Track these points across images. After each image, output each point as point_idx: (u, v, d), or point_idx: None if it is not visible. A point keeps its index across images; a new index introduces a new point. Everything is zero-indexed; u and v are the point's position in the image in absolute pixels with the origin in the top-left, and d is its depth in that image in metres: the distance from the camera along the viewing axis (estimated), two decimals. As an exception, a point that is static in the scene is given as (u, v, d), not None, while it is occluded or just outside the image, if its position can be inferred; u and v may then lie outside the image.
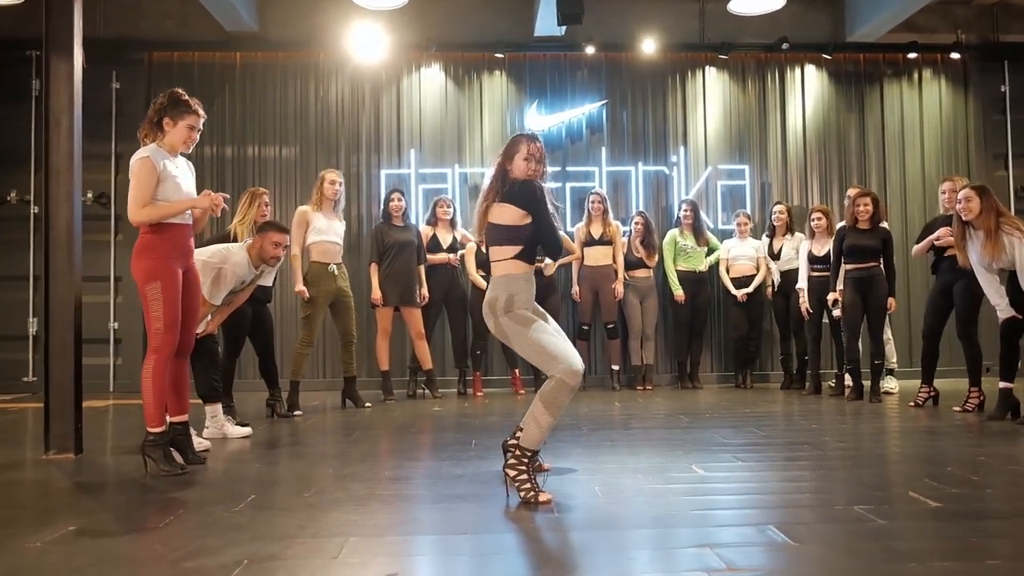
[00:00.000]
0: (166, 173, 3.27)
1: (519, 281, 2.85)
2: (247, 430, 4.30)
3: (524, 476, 2.72)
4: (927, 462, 3.44)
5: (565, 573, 2.01)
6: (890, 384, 6.11)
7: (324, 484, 3.04)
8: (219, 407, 4.25)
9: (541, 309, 2.95)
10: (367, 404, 5.55)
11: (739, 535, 2.27)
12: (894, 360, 6.22)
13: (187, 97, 3.36)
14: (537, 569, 2.06)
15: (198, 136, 3.41)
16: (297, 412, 5.17)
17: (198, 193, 3.47)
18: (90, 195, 6.77)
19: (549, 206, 2.85)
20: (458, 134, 7.15)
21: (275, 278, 5.14)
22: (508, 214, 2.82)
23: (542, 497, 2.67)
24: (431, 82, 7.17)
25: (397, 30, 6.97)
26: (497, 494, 2.79)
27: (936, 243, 5.01)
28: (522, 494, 2.69)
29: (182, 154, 3.49)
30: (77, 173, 3.83)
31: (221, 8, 6.56)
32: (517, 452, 2.76)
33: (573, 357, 2.74)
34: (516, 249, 2.84)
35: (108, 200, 6.91)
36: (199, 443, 3.85)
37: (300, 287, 5.29)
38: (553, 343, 2.79)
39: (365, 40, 6.88)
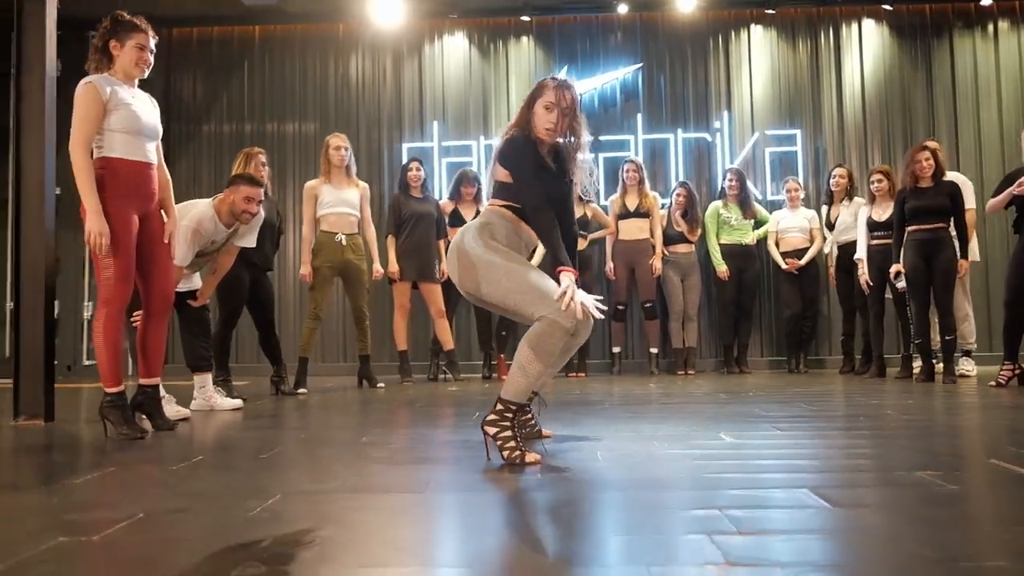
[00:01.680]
0: (117, 100, 2.95)
1: (502, 219, 2.46)
2: (237, 402, 3.97)
3: (508, 433, 2.28)
4: (1014, 431, 2.84)
5: (520, 538, 1.55)
6: (967, 366, 5.35)
7: (288, 447, 2.66)
8: (208, 377, 3.94)
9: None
10: (380, 384, 5.20)
11: (759, 498, 1.77)
12: (972, 340, 5.43)
13: (131, 16, 3.06)
14: (493, 536, 1.61)
15: (151, 57, 3.09)
16: (302, 391, 4.83)
17: (163, 127, 3.16)
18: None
19: (532, 165, 2.42)
20: (484, 104, 6.76)
21: (276, 244, 4.82)
22: (500, 172, 2.49)
23: (529, 457, 2.23)
24: (454, 50, 6.81)
25: (418, -3, 6.65)
26: (477, 458, 2.35)
27: (1018, 192, 4.34)
28: (505, 453, 2.25)
29: (148, 92, 3.18)
30: (50, 144, 3.56)
31: (239, -18, 6.36)
32: (499, 406, 2.31)
33: (554, 294, 2.27)
34: (508, 203, 2.48)
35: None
36: (178, 411, 3.54)
37: (305, 270, 4.95)
38: (540, 280, 2.33)
39: (385, 9, 6.57)
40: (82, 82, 2.94)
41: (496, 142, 2.63)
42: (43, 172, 3.54)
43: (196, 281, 4.02)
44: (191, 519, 1.65)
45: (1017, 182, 4.35)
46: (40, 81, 3.56)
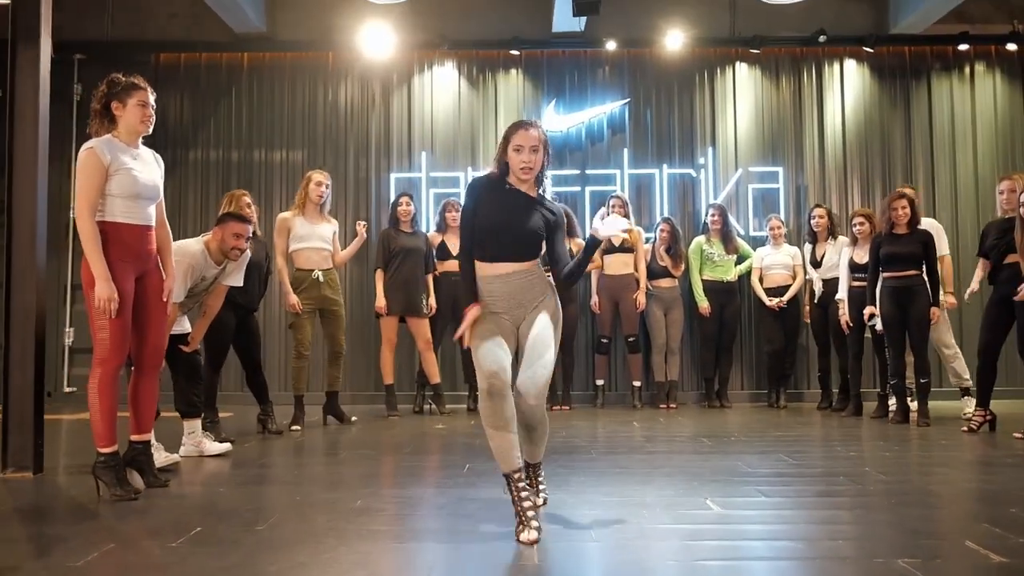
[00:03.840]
0: (118, 164, 2.97)
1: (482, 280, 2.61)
2: (226, 447, 3.99)
3: (516, 509, 2.36)
4: (985, 502, 2.95)
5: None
6: (967, 408, 5.14)
7: (283, 515, 2.69)
8: (197, 423, 3.95)
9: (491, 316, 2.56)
10: (353, 418, 5.22)
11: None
12: (967, 377, 5.33)
13: (127, 76, 3.08)
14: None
15: (154, 113, 3.11)
16: (296, 427, 4.85)
17: (164, 186, 3.19)
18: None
19: (472, 203, 2.60)
20: (472, 136, 6.80)
21: (264, 284, 4.84)
22: None
23: (523, 536, 2.29)
24: (444, 81, 6.85)
25: (408, 27, 6.68)
26: (476, 531, 2.40)
27: (1017, 300, 4.43)
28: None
29: (151, 149, 3.20)
30: (42, 171, 3.57)
31: (229, 8, 6.35)
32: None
33: (485, 361, 2.43)
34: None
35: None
36: (167, 457, 3.55)
37: (292, 300, 4.95)
38: (481, 356, 2.46)
39: (375, 38, 6.60)
40: (83, 148, 2.96)
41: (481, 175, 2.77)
42: (35, 215, 3.53)
43: (186, 324, 4.03)
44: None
45: (1019, 289, 4.42)
46: (33, 122, 3.55)
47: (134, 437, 3.20)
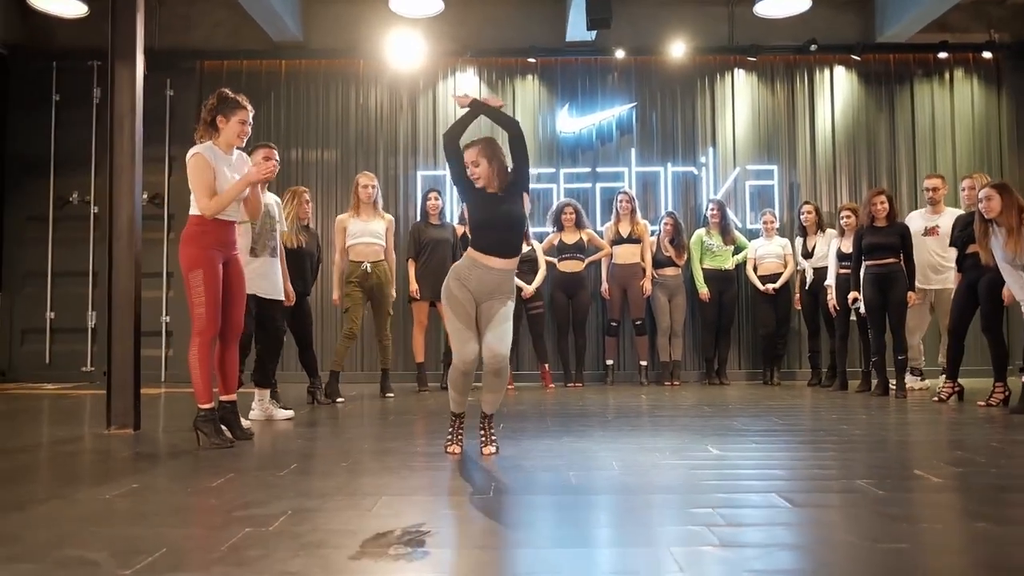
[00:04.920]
0: (217, 169, 3.56)
1: (471, 263, 3.20)
2: (290, 412, 4.58)
3: (448, 431, 3.35)
4: (939, 447, 3.55)
5: (577, 529, 2.21)
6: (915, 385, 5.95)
7: (360, 456, 3.28)
8: (267, 392, 4.54)
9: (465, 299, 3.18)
10: (390, 394, 5.81)
11: (742, 500, 2.44)
12: (921, 359, 6.14)
13: (235, 95, 3.65)
14: (551, 523, 2.26)
15: (250, 129, 3.69)
16: (340, 399, 5.45)
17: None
18: (145, 196, 7.17)
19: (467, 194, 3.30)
20: (492, 136, 7.36)
21: (315, 272, 5.42)
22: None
23: (449, 448, 3.27)
24: (465, 86, 7.43)
25: (434, 37, 7.26)
26: (519, 467, 3.00)
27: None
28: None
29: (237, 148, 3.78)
30: (138, 172, 4.16)
31: (268, 19, 6.92)
32: None
33: (464, 348, 3.13)
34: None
35: (162, 201, 7.33)
36: (244, 423, 4.12)
37: (336, 294, 5.62)
38: (454, 331, 3.17)
39: (403, 47, 7.17)
40: (192, 152, 3.55)
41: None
42: (133, 208, 4.12)
43: (268, 288, 4.48)
44: (331, 514, 2.28)
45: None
46: (131, 132, 4.13)
47: (223, 397, 3.79)
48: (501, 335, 3.14)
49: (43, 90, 7.40)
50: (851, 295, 5.83)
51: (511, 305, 3.24)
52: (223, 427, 3.72)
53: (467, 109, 3.43)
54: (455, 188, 3.38)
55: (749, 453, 3.32)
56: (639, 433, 3.92)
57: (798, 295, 6.76)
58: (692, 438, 3.69)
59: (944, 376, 5.74)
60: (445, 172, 7.33)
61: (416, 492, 2.61)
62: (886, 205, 5.63)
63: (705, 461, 3.12)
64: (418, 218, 6.55)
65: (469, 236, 3.27)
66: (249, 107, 3.68)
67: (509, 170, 3.26)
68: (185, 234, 3.58)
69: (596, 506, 2.43)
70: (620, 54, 7.29)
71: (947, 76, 7.53)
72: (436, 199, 6.33)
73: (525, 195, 3.31)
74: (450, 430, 3.35)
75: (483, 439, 3.32)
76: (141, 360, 4.17)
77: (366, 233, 5.68)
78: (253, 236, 4.36)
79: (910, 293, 5.60)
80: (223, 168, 3.59)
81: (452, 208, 7.12)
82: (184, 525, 2.22)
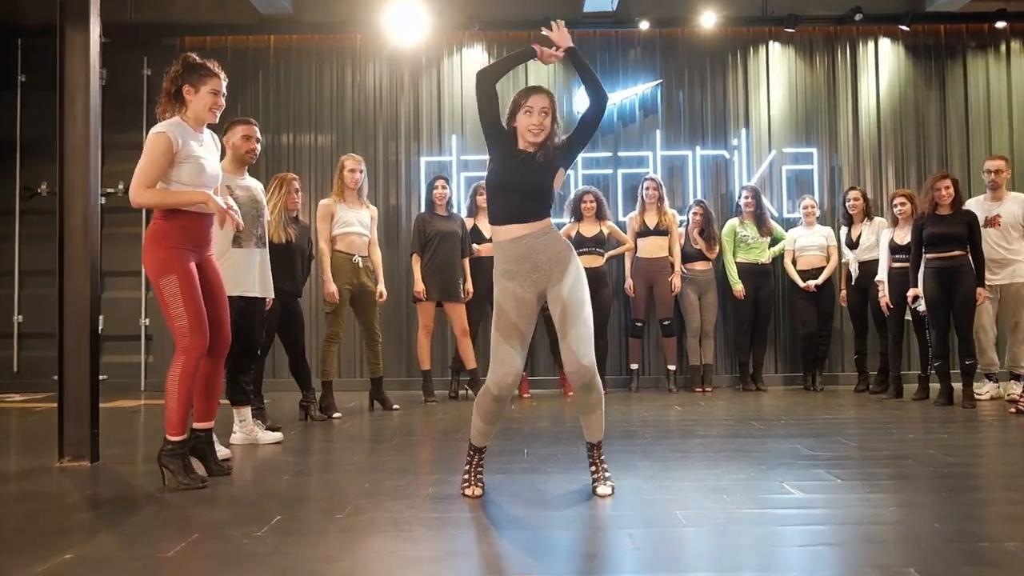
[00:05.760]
0: (187, 153, 2.91)
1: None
2: (278, 435, 3.95)
3: (466, 468, 2.77)
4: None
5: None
6: (1014, 389, 5.16)
7: (360, 502, 2.65)
8: (248, 411, 3.91)
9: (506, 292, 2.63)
10: (396, 406, 5.17)
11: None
12: (997, 361, 5.37)
13: (203, 60, 3.00)
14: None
15: (223, 101, 3.04)
16: (336, 415, 4.81)
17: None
18: (121, 186, 6.51)
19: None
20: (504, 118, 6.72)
21: (306, 269, 4.77)
22: None
23: (468, 491, 2.69)
24: (473, 63, 6.74)
25: (438, 9, 6.58)
26: (560, 519, 2.36)
27: None
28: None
29: (208, 125, 3.12)
30: (94, 155, 3.52)
31: (255, -11, 6.26)
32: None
33: (501, 367, 2.57)
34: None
35: (139, 191, 6.66)
36: (221, 452, 3.49)
37: (331, 288, 4.87)
38: (495, 343, 2.61)
39: (404, 21, 6.50)
40: (154, 130, 2.90)
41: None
42: (88, 201, 3.48)
43: (252, 285, 3.81)
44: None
45: None
46: (84, 108, 3.49)
47: (198, 425, 3.17)
48: (581, 334, 2.54)
49: (8, 69, 6.73)
50: (911, 292, 5.19)
51: (581, 278, 2.63)
52: (195, 461, 3.10)
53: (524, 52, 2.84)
54: (486, 136, 2.77)
55: (836, 494, 2.69)
56: (691, 461, 3.29)
57: (843, 291, 6.12)
58: (758, 470, 3.06)
59: (1013, 382, 5.18)
60: (451, 158, 6.68)
61: (439, 565, 1.98)
62: (951, 191, 5.01)
63: (789, 509, 2.49)
64: (422, 208, 5.87)
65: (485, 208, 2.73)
66: (222, 74, 3.02)
67: (561, 139, 2.72)
68: (150, 233, 2.94)
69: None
70: (644, 26, 6.61)
71: (1004, 48, 6.84)
72: (443, 187, 5.67)
73: (562, 171, 2.74)
74: (467, 467, 2.78)
75: (595, 475, 2.72)
76: (116, 369, 3.53)
77: (357, 223, 5.02)
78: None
79: (979, 289, 4.96)
80: (191, 144, 2.94)
81: (461, 197, 6.46)
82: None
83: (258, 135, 3.81)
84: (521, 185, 2.64)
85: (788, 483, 2.83)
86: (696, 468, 3.15)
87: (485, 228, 5.76)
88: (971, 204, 5.42)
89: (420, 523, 2.38)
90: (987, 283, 5.15)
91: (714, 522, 2.35)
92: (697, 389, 6.13)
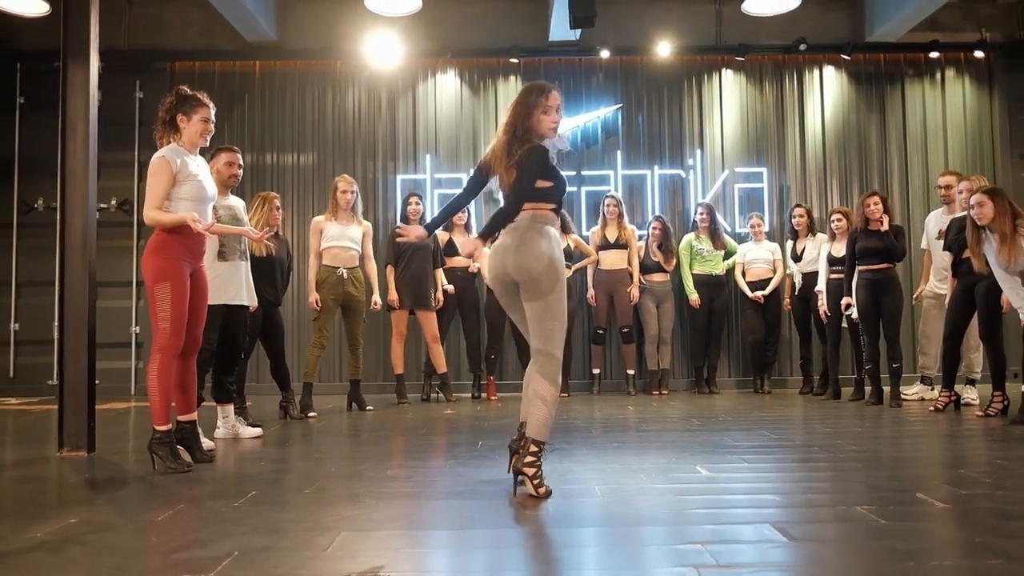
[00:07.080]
0: (187, 173, 3.34)
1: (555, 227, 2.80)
2: (258, 431, 4.34)
3: (541, 472, 2.67)
4: (941, 465, 3.36)
5: (551, 569, 1.99)
6: (970, 394, 5.44)
7: (325, 482, 3.05)
8: (231, 408, 4.30)
9: None
10: (369, 407, 5.57)
11: (734, 533, 2.23)
12: (977, 369, 5.62)
13: (194, 92, 3.43)
14: (524, 564, 2.05)
15: (213, 128, 3.47)
16: (312, 414, 5.21)
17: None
18: (114, 202, 6.92)
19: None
20: (473, 139, 7.18)
21: (286, 280, 5.18)
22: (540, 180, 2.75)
23: (543, 489, 2.67)
24: (446, 88, 7.23)
25: (413, 37, 7.04)
26: (496, 492, 2.78)
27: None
28: (541, 491, 2.65)
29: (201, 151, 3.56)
30: (92, 178, 3.91)
31: (241, 19, 6.69)
32: (532, 447, 2.68)
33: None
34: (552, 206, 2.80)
35: (131, 207, 7.06)
36: (205, 444, 3.88)
37: (312, 297, 5.33)
38: (565, 324, 2.82)
39: (381, 47, 6.96)
40: (156, 156, 3.34)
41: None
42: (87, 218, 3.87)
43: (234, 294, 4.20)
44: (281, 556, 2.05)
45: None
46: (84, 135, 3.89)
47: (182, 417, 3.55)
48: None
49: (7, 92, 7.13)
50: (844, 301, 5.65)
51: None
52: (182, 449, 3.49)
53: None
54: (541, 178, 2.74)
55: (740, 474, 3.12)
56: (624, 451, 3.71)
57: (788, 299, 6.59)
58: (679, 456, 3.48)
59: (968, 387, 5.55)
60: (425, 176, 7.12)
61: (381, 526, 2.39)
62: (880, 207, 5.46)
63: (693, 484, 2.92)
64: (398, 223, 6.30)
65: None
66: (211, 104, 3.46)
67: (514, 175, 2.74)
68: (152, 244, 3.35)
69: (575, 543, 2.21)
70: (605, 54, 7.11)
71: (938, 76, 7.39)
72: (416, 203, 6.11)
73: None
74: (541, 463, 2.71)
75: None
76: (107, 374, 3.92)
77: (343, 237, 5.45)
78: (221, 239, 4.12)
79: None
80: (192, 168, 3.38)
81: (434, 212, 6.88)
82: (112, 572, 1.99)
83: (240, 161, 4.25)
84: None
85: (700, 466, 3.25)
86: (625, 455, 3.57)
87: (459, 242, 6.19)
88: (930, 217, 5.85)
89: (373, 496, 2.79)
90: (936, 292, 5.61)
91: (625, 494, 2.77)
92: (655, 392, 6.56)
